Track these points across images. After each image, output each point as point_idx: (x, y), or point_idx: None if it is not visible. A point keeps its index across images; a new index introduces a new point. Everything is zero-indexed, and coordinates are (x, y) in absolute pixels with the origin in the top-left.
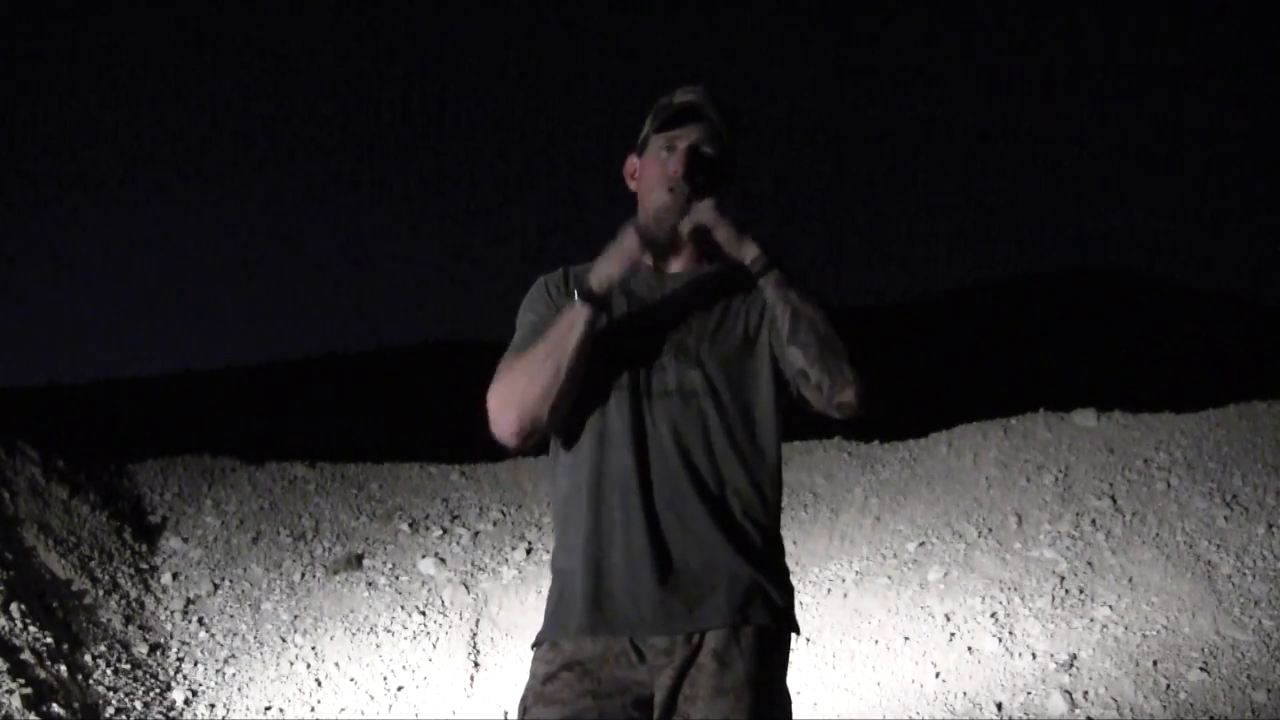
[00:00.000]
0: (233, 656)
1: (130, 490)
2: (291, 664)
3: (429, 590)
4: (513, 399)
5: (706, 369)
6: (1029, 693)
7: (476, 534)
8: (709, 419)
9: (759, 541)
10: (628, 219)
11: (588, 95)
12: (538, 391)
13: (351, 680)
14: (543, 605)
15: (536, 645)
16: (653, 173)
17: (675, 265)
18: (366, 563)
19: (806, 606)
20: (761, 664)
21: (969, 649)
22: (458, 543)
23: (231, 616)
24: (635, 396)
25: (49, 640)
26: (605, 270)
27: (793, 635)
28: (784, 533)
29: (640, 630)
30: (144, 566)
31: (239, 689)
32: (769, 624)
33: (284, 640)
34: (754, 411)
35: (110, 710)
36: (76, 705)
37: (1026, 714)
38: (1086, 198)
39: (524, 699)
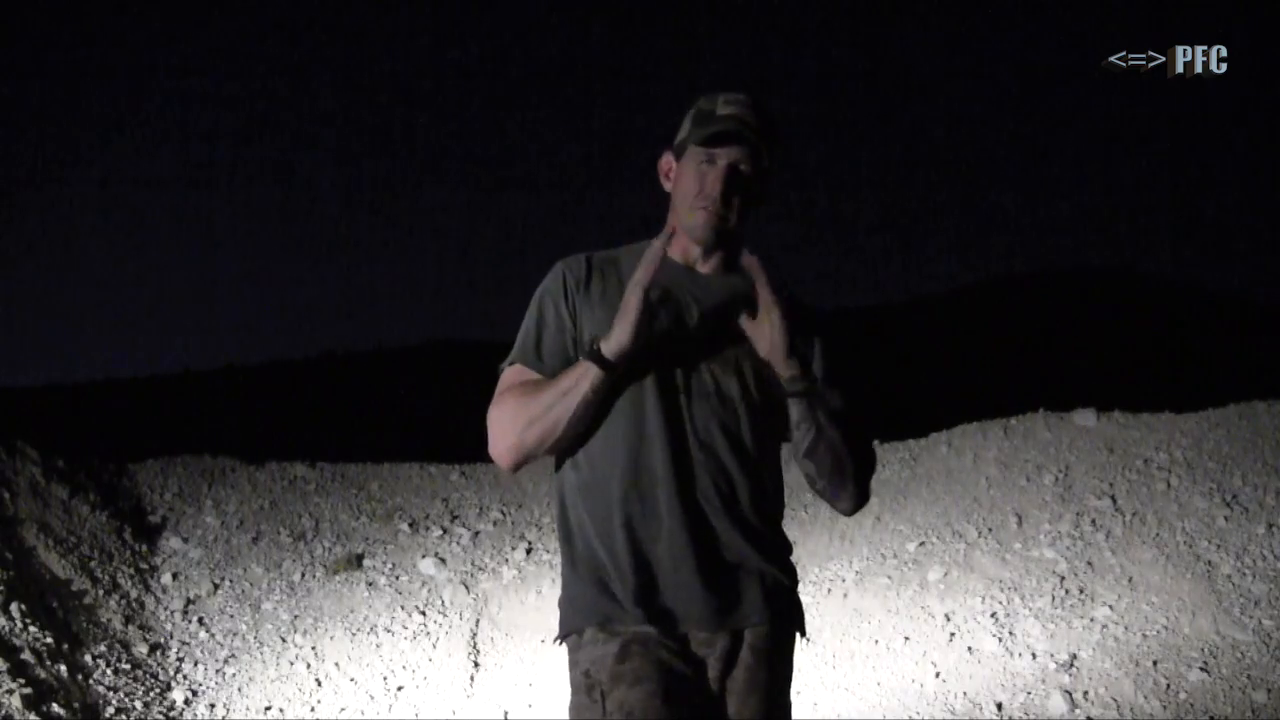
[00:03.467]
0: (233, 656)
1: (130, 490)
2: (291, 664)
3: (429, 590)
4: (511, 435)
5: (744, 377)
6: (1029, 693)
7: (476, 534)
8: (743, 424)
9: (779, 544)
10: (640, 239)
11: (588, 94)
12: (536, 438)
13: (351, 680)
14: (543, 605)
15: (575, 632)
16: (688, 184)
17: (706, 266)
18: (366, 563)
19: (807, 606)
20: (788, 662)
21: (969, 649)
22: (458, 543)
23: (231, 616)
24: (674, 394)
25: (49, 640)
26: (620, 340)
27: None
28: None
29: (687, 624)
30: (144, 566)
31: (239, 689)
32: (795, 623)
33: (284, 640)
34: (776, 422)
35: (110, 710)
36: (76, 705)
37: (1026, 714)
38: (1086, 198)
39: (593, 680)
